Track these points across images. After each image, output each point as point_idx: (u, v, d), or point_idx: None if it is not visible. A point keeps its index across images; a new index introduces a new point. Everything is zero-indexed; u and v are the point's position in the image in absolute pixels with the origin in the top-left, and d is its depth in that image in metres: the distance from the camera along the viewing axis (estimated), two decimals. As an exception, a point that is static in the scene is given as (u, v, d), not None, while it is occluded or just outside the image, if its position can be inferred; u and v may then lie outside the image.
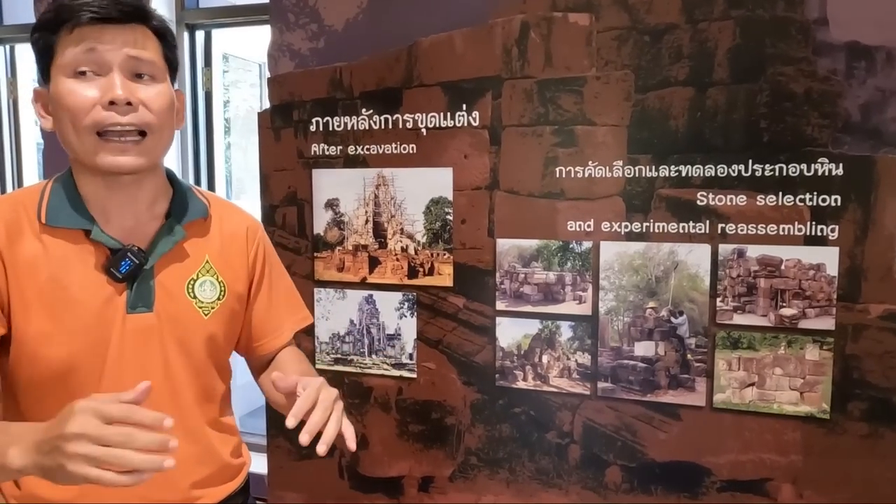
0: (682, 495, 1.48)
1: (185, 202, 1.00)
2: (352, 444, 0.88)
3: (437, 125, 1.58)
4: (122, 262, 0.91)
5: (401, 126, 1.61)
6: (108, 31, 0.86)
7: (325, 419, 0.85)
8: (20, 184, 2.46)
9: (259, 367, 1.13)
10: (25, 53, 2.46)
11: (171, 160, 2.15)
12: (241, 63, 2.62)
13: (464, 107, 1.55)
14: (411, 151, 1.61)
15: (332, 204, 1.69)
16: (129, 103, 0.86)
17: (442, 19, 1.60)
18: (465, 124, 1.56)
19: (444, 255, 1.61)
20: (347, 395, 1.72)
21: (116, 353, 0.92)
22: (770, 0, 1.33)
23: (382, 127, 1.63)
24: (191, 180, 2.23)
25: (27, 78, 2.48)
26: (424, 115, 1.59)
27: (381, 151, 1.63)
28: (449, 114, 1.57)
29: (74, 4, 0.86)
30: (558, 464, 1.57)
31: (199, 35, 2.08)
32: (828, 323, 1.35)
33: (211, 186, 2.27)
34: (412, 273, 1.64)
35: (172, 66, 0.95)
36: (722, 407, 1.44)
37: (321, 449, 0.84)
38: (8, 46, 2.40)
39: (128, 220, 0.94)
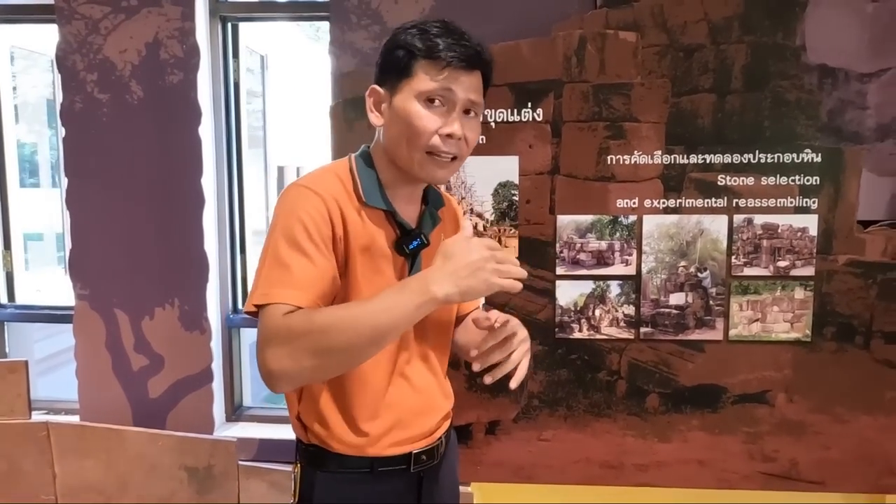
0: (706, 410, 1.91)
1: (433, 194, 1.21)
2: (513, 383, 1.09)
3: (505, 119, 1.86)
4: (414, 241, 1.11)
5: (471, 120, 1.86)
6: (463, 76, 1.04)
7: (507, 355, 1.08)
8: (3, 175, 2.33)
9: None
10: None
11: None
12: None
13: (529, 104, 1.85)
14: (481, 141, 1.86)
15: (404, 188, 1.90)
16: (459, 138, 1.06)
17: (500, 29, 1.87)
18: (530, 119, 1.85)
19: (511, 230, 1.89)
20: (418, 358, 1.95)
21: None
22: (772, 30, 1.78)
23: (454, 120, 1.86)
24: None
25: (5, 61, 2.33)
26: (493, 110, 1.85)
27: (452, 142, 1.87)
28: (516, 110, 1.85)
29: (444, 45, 1.02)
30: (608, 397, 1.93)
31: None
32: (810, 271, 1.84)
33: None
34: (481, 247, 1.90)
35: None
36: (735, 339, 1.88)
37: (512, 384, 1.08)
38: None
39: (406, 207, 1.14)
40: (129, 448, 2.01)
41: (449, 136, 1.04)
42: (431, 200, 1.19)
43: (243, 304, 1.86)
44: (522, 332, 1.13)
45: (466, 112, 1.07)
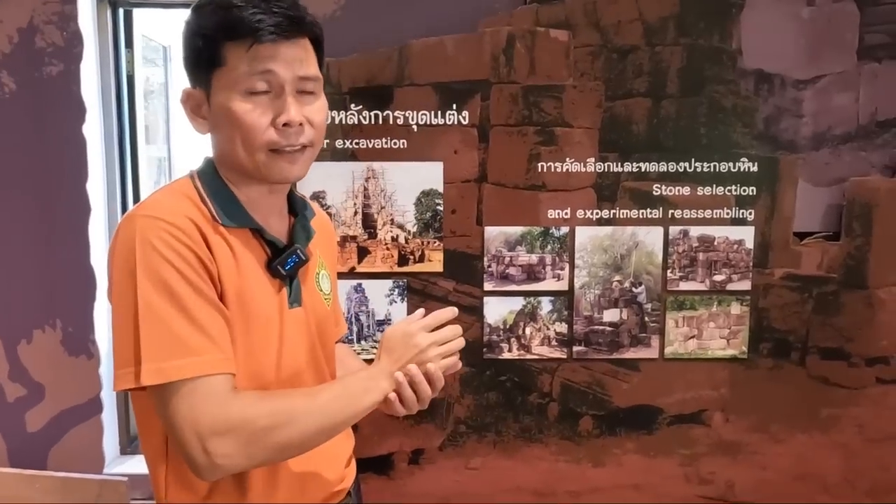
0: (641, 433, 1.81)
1: (299, 202, 1.01)
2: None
3: (428, 122, 1.70)
4: (289, 260, 0.93)
5: (391, 122, 1.70)
6: (281, 50, 0.84)
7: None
8: None
9: None
10: None
11: None
12: None
13: (454, 106, 1.70)
14: (402, 146, 1.71)
15: (317, 196, 1.72)
16: (300, 124, 0.87)
17: (423, 24, 1.72)
18: (455, 122, 1.70)
19: (435, 242, 1.74)
20: (334, 383, 1.77)
21: (288, 344, 0.94)
22: (708, 33, 1.69)
23: (372, 122, 1.70)
24: None
25: None
26: (415, 112, 1.70)
27: (370, 146, 1.71)
28: (440, 112, 1.70)
29: (247, 17, 0.83)
30: (539, 421, 1.80)
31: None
32: (746, 285, 1.76)
33: None
34: (402, 261, 1.75)
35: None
36: (671, 357, 1.79)
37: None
38: None
39: (273, 221, 0.95)
40: None
41: (286, 125, 0.86)
42: (300, 210, 1.00)
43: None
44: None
45: (302, 91, 0.88)
